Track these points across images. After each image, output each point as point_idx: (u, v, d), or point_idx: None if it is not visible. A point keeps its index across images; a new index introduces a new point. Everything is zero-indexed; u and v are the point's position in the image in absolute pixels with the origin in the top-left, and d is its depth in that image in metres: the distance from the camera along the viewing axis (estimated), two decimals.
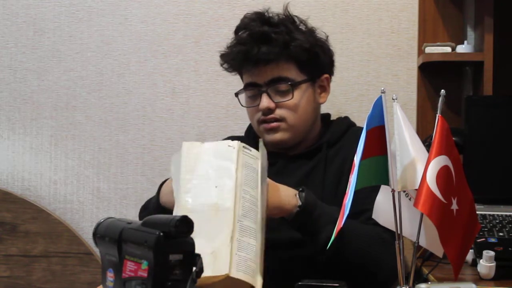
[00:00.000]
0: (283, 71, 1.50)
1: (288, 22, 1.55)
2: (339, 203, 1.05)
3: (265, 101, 1.49)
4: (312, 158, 1.52)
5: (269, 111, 1.49)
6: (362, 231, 1.31)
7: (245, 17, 1.57)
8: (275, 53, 1.49)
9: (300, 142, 1.54)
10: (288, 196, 1.28)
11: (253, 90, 1.53)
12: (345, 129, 1.57)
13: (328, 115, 1.65)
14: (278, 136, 1.50)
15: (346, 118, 1.64)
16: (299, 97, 1.51)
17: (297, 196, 1.28)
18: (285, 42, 1.50)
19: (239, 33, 1.56)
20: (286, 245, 1.41)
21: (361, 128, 1.60)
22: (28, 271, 1.99)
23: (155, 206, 1.38)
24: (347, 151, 1.47)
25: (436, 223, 0.92)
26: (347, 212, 0.96)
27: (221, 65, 1.60)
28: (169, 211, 1.24)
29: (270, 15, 1.55)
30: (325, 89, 1.59)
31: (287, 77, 1.50)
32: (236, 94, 1.58)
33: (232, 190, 1.14)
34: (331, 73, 1.62)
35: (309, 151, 1.54)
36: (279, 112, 1.50)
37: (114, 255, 0.97)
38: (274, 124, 1.50)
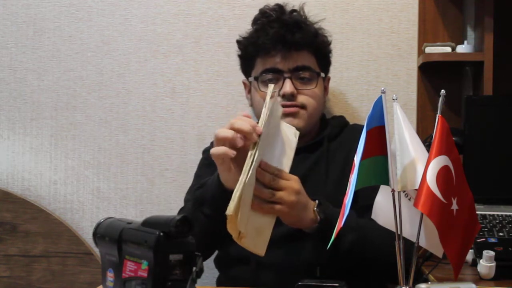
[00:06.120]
0: (307, 60, 1.56)
1: (306, 18, 1.62)
2: (343, 193, 1.05)
3: (289, 86, 1.51)
4: (314, 152, 1.55)
5: (291, 97, 1.51)
6: (378, 227, 1.31)
7: (264, 8, 1.61)
8: (308, 41, 1.54)
9: (306, 134, 1.56)
10: (306, 212, 1.28)
11: (273, 75, 1.54)
12: (343, 125, 1.63)
13: (323, 114, 1.69)
14: (295, 122, 1.51)
15: (342, 117, 1.69)
16: (319, 88, 1.57)
17: (316, 210, 1.28)
18: (315, 32, 1.58)
19: (259, 21, 1.58)
20: (286, 238, 1.41)
21: (359, 125, 1.65)
22: (28, 271, 1.98)
23: (216, 183, 1.31)
24: (350, 143, 1.50)
25: (436, 223, 0.92)
26: (347, 212, 0.96)
27: (244, 47, 1.62)
28: (228, 190, 1.24)
29: (291, 8, 1.61)
30: (326, 89, 1.66)
31: (311, 67, 1.55)
32: (256, 78, 1.57)
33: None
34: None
35: (311, 144, 1.56)
36: (300, 99, 1.53)
37: (114, 255, 0.97)
38: (294, 109, 1.52)
